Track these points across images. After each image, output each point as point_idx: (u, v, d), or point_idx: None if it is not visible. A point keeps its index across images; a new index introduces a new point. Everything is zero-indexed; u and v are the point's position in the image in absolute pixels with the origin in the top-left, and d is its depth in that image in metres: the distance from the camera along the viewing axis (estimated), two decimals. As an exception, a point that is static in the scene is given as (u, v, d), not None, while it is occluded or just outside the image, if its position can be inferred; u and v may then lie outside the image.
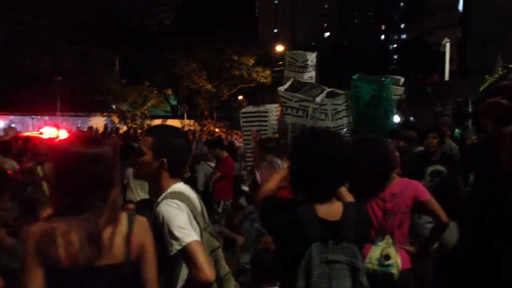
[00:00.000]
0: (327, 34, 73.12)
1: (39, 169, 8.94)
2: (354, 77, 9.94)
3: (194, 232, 2.06)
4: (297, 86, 9.35)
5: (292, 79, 9.66)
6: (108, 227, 1.82)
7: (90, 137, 1.93)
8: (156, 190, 2.29)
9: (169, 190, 2.22)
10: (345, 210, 2.27)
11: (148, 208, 7.08)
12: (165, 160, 2.23)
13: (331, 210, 2.24)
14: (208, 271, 1.96)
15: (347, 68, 29.49)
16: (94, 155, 1.84)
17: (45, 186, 8.69)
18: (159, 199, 2.19)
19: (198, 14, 30.18)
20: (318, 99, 8.90)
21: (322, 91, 9.14)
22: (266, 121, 9.91)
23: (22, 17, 21.12)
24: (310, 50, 11.72)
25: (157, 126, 2.54)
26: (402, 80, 10.04)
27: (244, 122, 9.98)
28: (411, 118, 16.98)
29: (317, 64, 11.04)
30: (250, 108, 10.06)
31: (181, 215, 2.07)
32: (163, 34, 28.48)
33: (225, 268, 2.16)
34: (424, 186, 3.55)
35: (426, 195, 3.18)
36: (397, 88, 9.76)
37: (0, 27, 22.40)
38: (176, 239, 2.00)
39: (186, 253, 1.99)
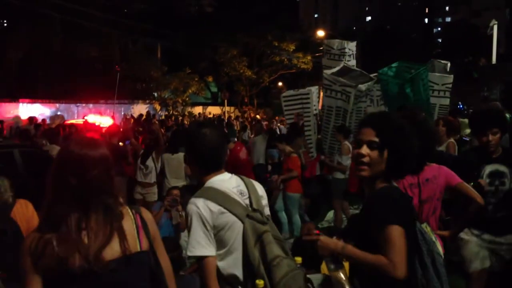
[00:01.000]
0: (369, 18, 71.77)
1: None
2: (380, 70, 9.80)
3: (208, 244, 2.23)
4: (346, 72, 9.30)
5: (342, 64, 9.63)
6: (115, 223, 1.82)
7: (89, 140, 1.93)
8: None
9: (206, 185, 2.36)
10: None
11: (191, 191, 7.16)
12: (196, 164, 2.40)
13: None
14: None
15: (389, 53, 28.90)
16: (93, 157, 1.84)
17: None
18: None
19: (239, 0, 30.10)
20: (362, 86, 8.81)
21: (370, 80, 9.06)
22: (308, 103, 9.82)
23: (74, 6, 21.67)
24: (352, 35, 11.58)
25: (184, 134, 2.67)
26: (448, 64, 9.74)
27: (286, 105, 9.90)
28: (459, 104, 16.51)
29: (358, 51, 10.90)
30: (291, 92, 9.92)
31: (198, 222, 2.23)
32: (204, 21, 28.62)
33: (272, 253, 2.16)
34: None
35: (457, 179, 3.24)
36: (447, 77, 9.45)
37: (54, 17, 23.04)
38: (193, 246, 2.23)
39: (199, 265, 2.25)
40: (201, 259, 2.20)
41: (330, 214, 8.48)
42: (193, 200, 2.27)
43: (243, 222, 2.24)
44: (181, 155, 8.22)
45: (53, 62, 24.05)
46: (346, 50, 10.45)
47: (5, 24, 26.21)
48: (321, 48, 28.83)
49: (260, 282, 2.04)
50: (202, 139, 2.36)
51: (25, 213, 2.58)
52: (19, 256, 1.76)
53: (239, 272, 2.23)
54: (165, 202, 6.36)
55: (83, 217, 1.76)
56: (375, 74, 9.33)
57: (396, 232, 2.01)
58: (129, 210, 1.92)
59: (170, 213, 6.30)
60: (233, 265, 2.22)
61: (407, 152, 2.18)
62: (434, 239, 2.71)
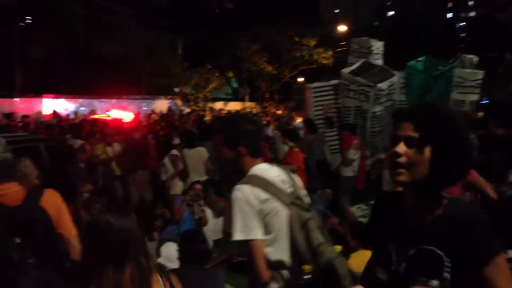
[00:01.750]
0: (391, 13, 70.96)
1: (108, 149, 9.31)
2: (409, 63, 9.66)
3: (257, 227, 2.23)
4: (366, 68, 9.13)
5: (362, 60, 9.47)
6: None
7: (118, 209, 2.01)
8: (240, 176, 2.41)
9: (249, 173, 2.39)
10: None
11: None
12: (241, 148, 2.39)
13: None
14: (261, 273, 2.17)
15: (411, 48, 28.52)
16: (120, 228, 1.90)
17: (114, 165, 9.05)
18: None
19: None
20: (382, 85, 8.63)
21: (391, 76, 8.87)
22: (337, 94, 9.63)
23: (97, 1, 21.95)
24: (373, 30, 11.47)
25: (219, 122, 2.74)
26: (476, 59, 9.59)
27: (315, 97, 9.67)
28: (484, 100, 16.22)
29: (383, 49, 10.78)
30: (320, 83, 9.69)
31: (246, 206, 2.23)
32: (225, 16, 28.67)
33: (317, 239, 2.20)
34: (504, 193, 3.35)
35: (472, 172, 3.21)
36: (477, 72, 9.31)
37: (78, 12, 23.35)
38: (240, 230, 2.21)
39: (247, 249, 2.23)
40: (249, 243, 2.22)
41: (353, 209, 8.47)
42: (238, 187, 2.29)
43: (288, 209, 2.27)
44: (200, 149, 8.30)
45: (76, 57, 24.37)
46: (373, 48, 10.30)
47: (29, 21, 26.59)
48: (343, 43, 28.72)
49: (307, 267, 2.06)
50: (252, 125, 2.44)
51: (53, 202, 2.65)
52: None
53: (286, 258, 2.27)
54: (187, 197, 6.43)
55: (116, 275, 1.84)
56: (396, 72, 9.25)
57: (504, 260, 1.64)
58: (159, 277, 2.00)
59: (193, 207, 6.37)
60: (280, 250, 2.26)
61: (459, 150, 1.69)
62: None
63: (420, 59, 9.30)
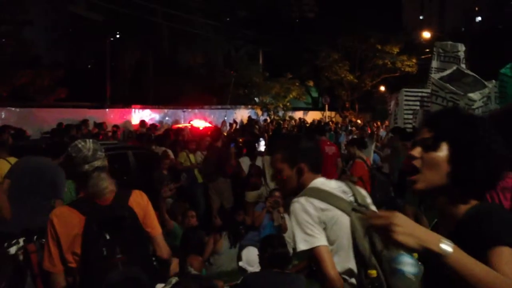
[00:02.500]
0: (479, 18, 67.80)
1: (191, 157, 9.59)
2: (502, 70, 9.10)
3: (319, 234, 2.21)
4: (458, 76, 8.76)
5: (455, 67, 9.13)
6: None
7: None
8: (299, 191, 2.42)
9: (308, 186, 2.40)
10: None
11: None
12: (302, 165, 2.42)
13: None
14: (333, 280, 2.12)
15: (502, 56, 27.00)
16: None
17: (196, 172, 9.31)
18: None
19: (340, 3, 29.79)
20: (474, 95, 8.20)
21: (484, 87, 8.43)
22: (428, 105, 9.32)
23: (180, 14, 22.85)
24: (460, 36, 11.07)
25: (278, 141, 2.81)
26: None
27: (406, 100, 9.50)
28: None
29: (466, 54, 10.38)
30: (411, 89, 9.52)
31: (305, 216, 2.23)
32: (305, 26, 28.71)
33: (381, 244, 2.15)
34: None
35: None
36: None
37: (163, 25, 24.42)
38: (302, 240, 2.21)
39: (313, 257, 2.20)
40: (314, 251, 2.19)
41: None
42: (296, 199, 2.31)
43: (349, 216, 2.25)
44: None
45: (161, 69, 25.40)
46: (460, 53, 9.88)
47: (118, 36, 28.11)
48: (427, 50, 27.78)
49: (372, 272, 2.02)
50: (311, 142, 2.53)
51: (140, 202, 2.78)
52: None
53: (352, 265, 2.24)
54: (267, 204, 6.46)
55: None
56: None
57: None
58: None
59: (272, 214, 6.39)
60: (346, 259, 2.24)
61: (479, 149, 1.51)
62: None
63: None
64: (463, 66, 9.76)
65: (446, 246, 1.32)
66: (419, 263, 1.38)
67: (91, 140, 2.77)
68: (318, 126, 10.13)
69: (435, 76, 8.93)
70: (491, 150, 1.52)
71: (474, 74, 8.93)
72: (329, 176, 8.15)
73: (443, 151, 1.55)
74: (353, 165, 7.43)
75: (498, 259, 1.37)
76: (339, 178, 8.41)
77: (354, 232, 2.21)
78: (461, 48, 9.98)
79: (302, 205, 2.26)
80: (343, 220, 2.25)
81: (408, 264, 1.36)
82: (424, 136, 1.60)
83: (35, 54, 25.76)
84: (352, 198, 2.37)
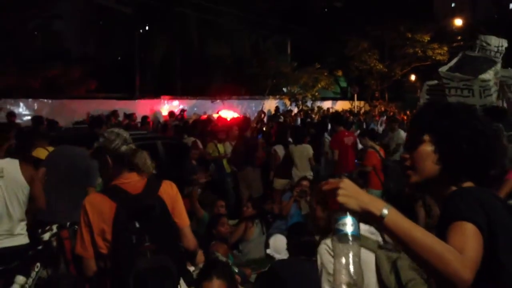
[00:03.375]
0: (513, 5, 65.90)
1: (220, 147, 9.65)
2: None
3: None
4: (466, 62, 8.56)
5: (460, 54, 8.91)
6: None
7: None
8: None
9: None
10: None
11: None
12: None
13: None
14: None
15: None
16: None
17: (225, 162, 9.37)
18: None
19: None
20: (486, 75, 8.03)
21: (495, 64, 8.22)
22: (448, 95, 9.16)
23: (208, 4, 22.93)
24: (493, 24, 10.74)
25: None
26: None
27: (428, 94, 9.21)
28: None
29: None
30: (434, 82, 9.01)
31: (329, 257, 2.23)
32: (333, 15, 28.42)
33: (407, 276, 2.11)
34: None
35: None
36: None
37: (191, 16, 24.54)
38: (327, 280, 2.23)
39: None
40: None
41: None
42: (323, 240, 2.35)
43: (375, 253, 2.25)
44: (305, 146, 8.40)
45: (189, 60, 25.55)
46: (502, 48, 9.54)
47: (147, 28, 28.37)
48: (459, 37, 27.18)
49: None
50: None
51: (170, 192, 2.83)
52: None
53: None
54: (294, 193, 6.48)
55: None
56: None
57: (470, 231, 1.45)
58: None
59: (299, 203, 6.40)
60: None
61: (462, 140, 1.58)
62: None
63: None
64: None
65: (385, 209, 1.40)
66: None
67: (115, 131, 2.85)
68: (336, 116, 10.00)
69: (442, 69, 8.71)
70: (476, 132, 1.61)
71: (480, 55, 8.68)
72: (349, 164, 8.10)
73: (427, 144, 1.65)
74: (366, 155, 7.47)
75: (451, 232, 1.45)
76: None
77: (380, 269, 2.19)
78: (504, 43, 9.65)
79: (328, 245, 2.28)
80: (369, 259, 2.23)
81: (348, 225, 1.40)
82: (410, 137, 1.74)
83: (65, 47, 26.27)
84: (380, 239, 2.37)
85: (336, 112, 16.52)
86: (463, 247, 1.39)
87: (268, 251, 5.68)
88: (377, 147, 7.72)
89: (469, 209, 1.49)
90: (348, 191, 1.42)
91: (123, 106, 18.04)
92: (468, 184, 1.63)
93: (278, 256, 5.13)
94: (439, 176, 1.64)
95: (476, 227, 1.45)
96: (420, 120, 1.71)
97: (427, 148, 1.65)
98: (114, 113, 15.22)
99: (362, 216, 1.42)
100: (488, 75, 7.97)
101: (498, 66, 8.26)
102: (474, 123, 1.62)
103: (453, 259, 1.34)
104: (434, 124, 1.65)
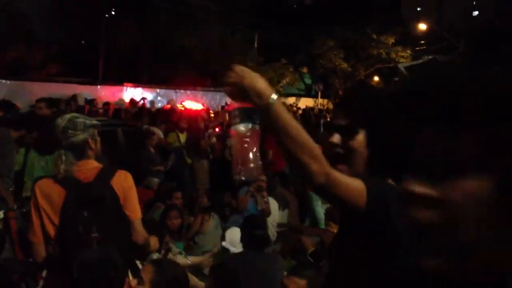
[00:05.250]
0: (476, 12, 67.65)
1: (181, 137, 9.58)
2: None
3: None
4: (431, 66, 8.84)
5: (430, 57, 9.15)
6: None
7: None
8: None
9: None
10: None
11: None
12: None
13: None
14: None
15: (501, 54, 26.83)
16: None
17: (185, 153, 9.32)
18: None
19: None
20: None
21: None
22: None
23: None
24: (456, 31, 11.08)
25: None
26: None
27: None
28: None
29: (462, 48, 10.37)
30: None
31: None
32: (303, 12, 28.56)
33: None
34: None
35: None
36: None
37: (161, 5, 24.21)
38: None
39: None
40: None
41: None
42: None
43: None
44: None
45: (157, 49, 25.23)
46: None
47: (113, 13, 27.83)
48: (422, 42, 27.72)
49: None
50: None
51: (123, 184, 2.78)
52: None
53: None
54: (250, 188, 6.50)
55: None
56: None
57: (356, 179, 1.43)
58: None
59: (256, 198, 6.43)
60: None
61: (388, 135, 1.40)
62: None
63: None
64: None
65: (274, 95, 1.41)
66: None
67: (68, 117, 2.76)
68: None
69: (402, 64, 8.93)
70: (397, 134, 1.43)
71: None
72: (282, 164, 8.19)
73: (360, 140, 1.53)
74: None
75: None
76: None
77: None
78: None
79: None
80: None
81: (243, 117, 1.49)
82: (339, 122, 1.58)
83: (29, 28, 25.51)
84: None
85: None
86: (338, 173, 1.39)
87: (224, 243, 5.70)
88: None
89: (370, 179, 1.44)
90: (243, 72, 1.48)
91: (84, 91, 17.69)
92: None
93: (233, 249, 5.16)
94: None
95: (365, 187, 1.40)
96: (354, 108, 1.57)
97: (362, 141, 1.53)
98: (74, 98, 14.89)
99: (250, 99, 1.42)
100: None
101: None
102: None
103: (319, 161, 1.35)
104: (370, 122, 1.52)
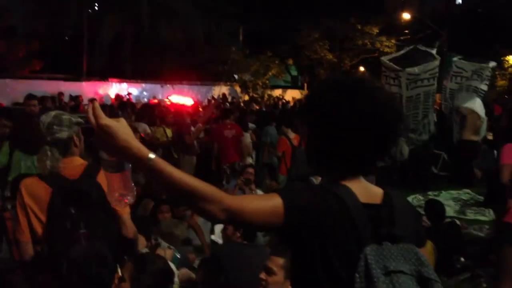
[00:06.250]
0: (459, 1, 68.01)
1: (169, 133, 9.55)
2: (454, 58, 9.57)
3: None
4: (412, 54, 8.95)
5: (412, 46, 9.26)
6: None
7: None
8: None
9: None
10: (384, 194, 1.54)
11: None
12: None
13: (370, 194, 1.53)
14: None
15: (484, 40, 27.00)
16: None
17: (172, 148, 9.30)
18: None
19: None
20: (412, 69, 8.41)
21: (432, 61, 8.60)
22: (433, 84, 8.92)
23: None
24: (439, 19, 11.19)
25: None
26: None
27: (411, 83, 8.64)
28: None
29: (446, 36, 10.49)
30: (415, 69, 8.56)
31: None
32: (287, 4, 28.50)
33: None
34: None
35: None
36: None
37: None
38: None
39: None
40: None
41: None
42: None
43: None
44: (246, 135, 8.70)
45: (140, 43, 25.02)
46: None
47: (96, 8, 27.55)
48: (406, 31, 27.81)
49: None
50: None
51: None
52: None
53: None
54: (238, 181, 6.50)
55: None
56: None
57: (271, 197, 1.44)
58: None
59: (244, 191, 6.44)
60: None
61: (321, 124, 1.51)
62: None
63: None
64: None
65: (151, 154, 1.38)
66: None
67: (53, 113, 2.74)
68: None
69: (384, 57, 9.11)
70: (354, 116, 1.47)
71: (429, 50, 9.03)
72: (229, 157, 8.50)
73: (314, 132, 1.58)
74: (278, 141, 7.99)
75: None
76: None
77: None
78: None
79: None
80: None
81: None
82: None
83: (10, 24, 25.13)
84: None
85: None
86: (245, 198, 1.47)
87: (212, 237, 5.71)
88: (292, 135, 7.96)
89: (292, 192, 1.48)
90: (117, 129, 1.39)
91: (69, 88, 17.58)
92: (350, 181, 1.51)
93: (221, 242, 5.18)
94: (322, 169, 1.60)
95: (283, 202, 1.41)
96: (303, 106, 1.67)
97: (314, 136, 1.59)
98: (60, 95, 14.81)
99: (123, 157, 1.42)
100: (417, 69, 8.33)
101: (435, 63, 8.60)
102: (352, 105, 1.46)
103: (213, 200, 1.36)
104: (309, 117, 1.57)
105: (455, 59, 10.00)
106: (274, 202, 1.41)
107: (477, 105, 9.26)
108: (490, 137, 10.25)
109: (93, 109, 1.43)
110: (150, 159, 1.36)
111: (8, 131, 5.29)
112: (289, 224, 1.41)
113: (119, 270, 2.64)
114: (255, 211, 1.39)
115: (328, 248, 1.40)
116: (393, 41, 27.28)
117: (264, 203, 1.42)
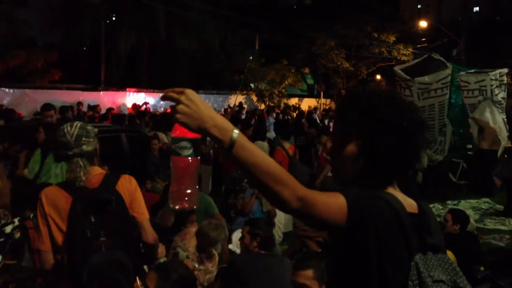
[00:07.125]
0: (477, 8, 67.53)
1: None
2: (461, 73, 9.47)
3: None
4: (426, 63, 8.92)
5: (426, 55, 9.24)
6: None
7: None
8: None
9: None
10: (418, 204, 1.58)
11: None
12: None
13: (408, 203, 1.54)
14: None
15: (500, 48, 26.85)
16: None
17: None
18: None
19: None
20: (422, 79, 8.38)
21: (443, 70, 8.57)
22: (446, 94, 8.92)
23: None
24: (457, 27, 11.12)
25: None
26: None
27: (423, 93, 8.64)
28: None
29: (464, 45, 10.44)
30: (426, 79, 8.56)
31: None
32: (302, 13, 28.59)
33: None
34: None
35: None
36: None
37: (159, 9, 24.26)
38: None
39: None
40: None
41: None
42: None
43: None
44: (261, 143, 8.61)
45: (156, 53, 25.27)
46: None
47: (114, 18, 27.91)
48: (423, 39, 27.71)
49: None
50: None
51: (128, 187, 2.81)
52: None
53: None
54: (256, 190, 6.50)
55: None
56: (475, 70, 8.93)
57: (336, 195, 1.42)
58: None
59: (261, 200, 6.44)
60: None
61: (383, 139, 1.46)
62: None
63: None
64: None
65: (235, 133, 1.33)
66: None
67: (78, 125, 2.78)
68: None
69: (398, 67, 9.11)
70: (400, 132, 1.47)
71: (442, 59, 8.98)
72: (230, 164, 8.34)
73: (351, 147, 1.52)
74: (274, 153, 7.79)
75: None
76: None
77: None
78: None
79: None
80: None
81: (184, 148, 1.41)
82: (335, 130, 1.60)
83: (29, 35, 25.59)
84: None
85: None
86: (315, 191, 1.39)
87: (230, 246, 5.71)
88: (287, 145, 7.92)
89: (354, 194, 1.44)
90: (191, 108, 1.33)
91: (87, 98, 17.76)
92: (390, 190, 1.53)
93: (239, 251, 5.17)
94: (359, 182, 1.51)
95: (347, 202, 1.40)
96: (345, 117, 1.55)
97: (353, 148, 1.52)
98: (79, 104, 15.01)
99: (206, 131, 1.34)
100: (428, 78, 8.28)
101: (447, 71, 8.54)
102: (399, 121, 1.47)
103: (290, 186, 1.34)
104: (360, 125, 1.50)
105: (460, 73, 9.91)
106: (340, 200, 1.40)
107: (494, 115, 9.19)
108: (510, 145, 10.13)
109: (171, 90, 1.39)
110: (236, 132, 1.33)
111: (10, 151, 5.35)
112: (351, 225, 1.40)
113: (138, 280, 2.65)
114: (326, 205, 1.38)
115: (383, 254, 1.40)
116: (410, 49, 27.14)
117: (332, 199, 1.41)
